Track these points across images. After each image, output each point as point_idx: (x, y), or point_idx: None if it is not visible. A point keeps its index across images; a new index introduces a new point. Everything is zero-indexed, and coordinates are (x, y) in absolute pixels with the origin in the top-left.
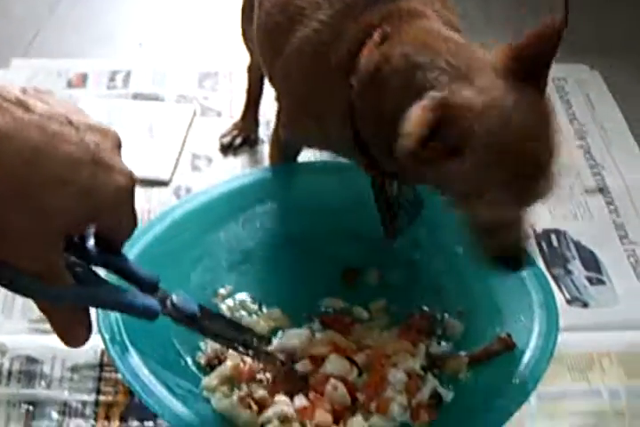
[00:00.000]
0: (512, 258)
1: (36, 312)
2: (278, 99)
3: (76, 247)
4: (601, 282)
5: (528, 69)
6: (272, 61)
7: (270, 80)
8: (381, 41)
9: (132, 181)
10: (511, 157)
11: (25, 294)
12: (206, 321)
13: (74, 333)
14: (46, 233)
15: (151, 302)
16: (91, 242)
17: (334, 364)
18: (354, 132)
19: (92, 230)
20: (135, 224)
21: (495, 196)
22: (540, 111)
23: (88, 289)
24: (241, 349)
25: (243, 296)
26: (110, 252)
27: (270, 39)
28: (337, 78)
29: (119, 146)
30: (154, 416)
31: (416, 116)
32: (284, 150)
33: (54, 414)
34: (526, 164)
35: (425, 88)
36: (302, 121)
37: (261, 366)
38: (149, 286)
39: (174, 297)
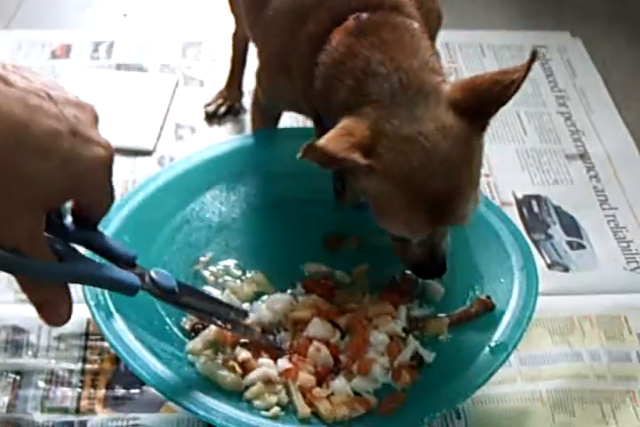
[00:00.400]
0: (424, 268)
1: None
2: (259, 55)
3: (53, 225)
4: (581, 246)
5: (475, 109)
6: (255, 19)
7: (252, 38)
8: (354, 29)
9: (110, 153)
10: (412, 188)
11: (4, 268)
12: (185, 296)
13: (55, 310)
14: (29, 203)
15: (131, 276)
16: (68, 219)
17: (317, 327)
18: (311, 98)
19: (68, 208)
20: (112, 198)
21: (398, 218)
22: (463, 150)
23: (68, 265)
24: (219, 322)
25: (227, 262)
26: (88, 227)
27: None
28: (307, 47)
29: (97, 120)
30: (140, 384)
31: (340, 136)
32: (264, 112)
33: (41, 383)
34: (427, 196)
35: (368, 100)
36: (275, 76)
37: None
38: (127, 262)
39: (152, 273)
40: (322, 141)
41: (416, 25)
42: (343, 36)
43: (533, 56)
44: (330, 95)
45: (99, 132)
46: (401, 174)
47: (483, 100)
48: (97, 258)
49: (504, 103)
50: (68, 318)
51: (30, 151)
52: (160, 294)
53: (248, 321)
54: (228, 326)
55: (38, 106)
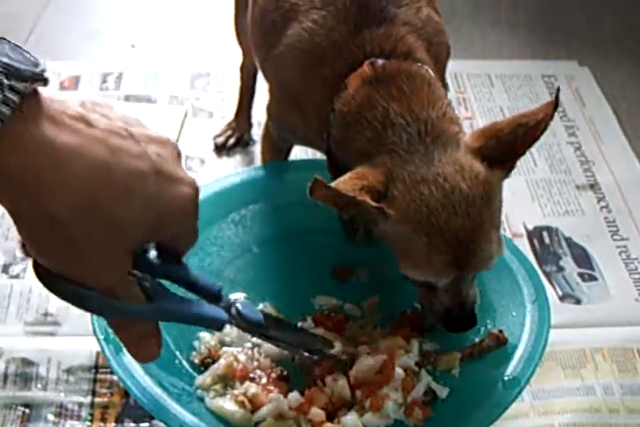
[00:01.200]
0: (453, 319)
1: (31, 315)
2: (270, 90)
3: (138, 259)
4: (593, 278)
5: (499, 154)
6: (265, 55)
7: (263, 73)
8: (371, 77)
9: (195, 190)
10: (432, 229)
11: (97, 310)
12: (272, 329)
13: (145, 347)
14: (117, 246)
15: (218, 311)
16: (152, 253)
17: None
18: (327, 139)
19: (152, 242)
20: (197, 234)
21: (420, 262)
22: (483, 191)
23: (159, 304)
24: (306, 354)
25: (236, 295)
26: (172, 262)
27: (265, 33)
28: (321, 89)
29: (179, 155)
30: (149, 418)
31: (351, 179)
32: (275, 145)
33: (50, 416)
34: (448, 236)
35: (385, 149)
36: (288, 112)
37: (255, 364)
38: (212, 295)
39: (239, 305)
40: (334, 182)
41: (430, 73)
42: (360, 83)
43: (557, 93)
44: (348, 143)
45: (182, 169)
46: (418, 216)
47: (507, 145)
48: (181, 292)
49: (531, 145)
50: (157, 355)
51: (116, 194)
52: (247, 327)
53: (334, 350)
54: (315, 358)
55: (120, 146)
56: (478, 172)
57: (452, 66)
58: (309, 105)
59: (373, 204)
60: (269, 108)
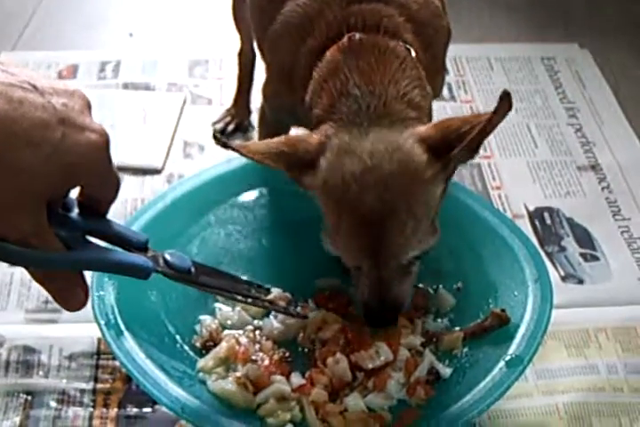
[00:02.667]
0: (369, 312)
1: (32, 302)
2: (267, 69)
3: (61, 219)
4: (595, 258)
5: (441, 145)
6: (263, 35)
7: (261, 53)
8: (346, 48)
9: (103, 137)
10: (345, 204)
11: (14, 261)
12: (202, 276)
13: (71, 296)
14: (26, 197)
15: (142, 259)
16: (75, 212)
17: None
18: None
19: (74, 200)
20: (117, 184)
21: (331, 235)
22: (410, 179)
23: (77, 252)
24: (241, 298)
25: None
26: (97, 216)
27: (263, 13)
28: (306, 60)
29: (88, 106)
30: (152, 403)
31: (279, 142)
32: (272, 128)
33: (52, 403)
34: (358, 214)
35: (334, 118)
36: (279, 89)
37: (257, 347)
38: (140, 248)
39: (167, 255)
40: (254, 143)
41: (409, 53)
42: (334, 53)
43: (506, 97)
44: (311, 110)
45: (91, 118)
46: (333, 189)
47: (449, 139)
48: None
49: (471, 147)
50: (84, 303)
51: (20, 145)
52: (175, 275)
53: (270, 296)
54: (249, 301)
55: (23, 99)
56: (411, 159)
57: (451, 49)
58: (297, 79)
59: (287, 172)
60: (264, 89)
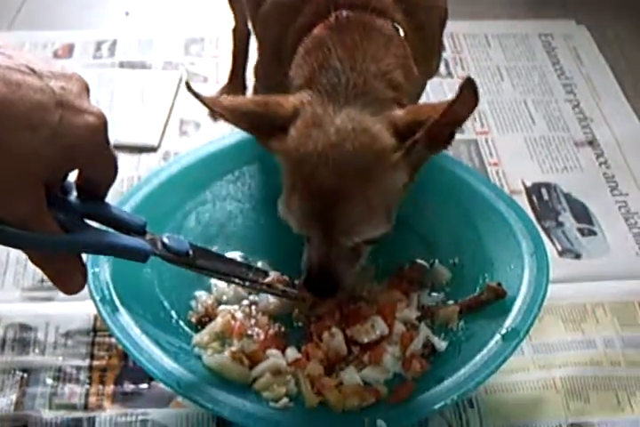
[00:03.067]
0: (309, 280)
1: (28, 280)
2: (258, 49)
3: (59, 202)
4: (592, 233)
5: (408, 129)
6: (256, 13)
7: (255, 31)
8: (332, 24)
9: (101, 120)
10: (301, 175)
11: (13, 244)
12: (200, 259)
13: (69, 279)
14: (24, 179)
15: (140, 242)
16: (73, 195)
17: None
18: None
19: (73, 184)
20: (115, 167)
21: (284, 201)
22: (370, 161)
23: (75, 235)
24: (238, 281)
25: (232, 254)
26: (95, 199)
27: None
28: (294, 38)
29: (86, 89)
30: (148, 379)
31: (249, 101)
32: None
33: (49, 380)
34: (312, 188)
35: (313, 87)
36: (269, 67)
37: (252, 322)
38: (138, 231)
39: (165, 238)
40: (228, 98)
41: (397, 33)
42: (321, 29)
43: (467, 85)
44: (291, 83)
45: (89, 101)
46: (295, 157)
47: (418, 126)
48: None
49: (436, 136)
50: (83, 286)
51: (18, 127)
52: (173, 258)
53: (268, 279)
54: (247, 284)
55: (21, 81)
56: (375, 143)
57: (448, 26)
58: (286, 56)
59: (252, 133)
60: (255, 69)
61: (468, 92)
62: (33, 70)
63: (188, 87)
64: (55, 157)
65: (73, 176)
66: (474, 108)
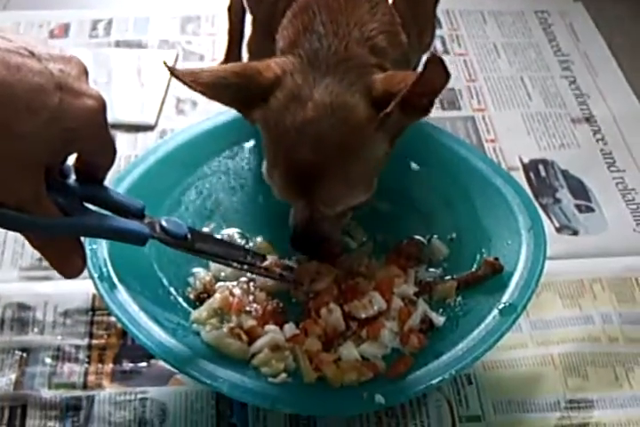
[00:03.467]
0: (296, 239)
1: (26, 260)
2: (252, 23)
3: (58, 186)
4: (590, 209)
5: (383, 99)
6: None
7: (249, 6)
8: None
9: (100, 103)
10: (281, 147)
11: (12, 227)
12: (198, 242)
13: (69, 263)
14: (24, 162)
15: (139, 226)
16: (72, 178)
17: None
18: None
19: (71, 167)
20: (114, 150)
21: (266, 171)
22: (347, 133)
23: (75, 218)
24: (236, 265)
25: (229, 231)
26: (93, 182)
27: None
28: (283, 7)
29: (85, 72)
30: (147, 357)
31: (234, 68)
32: None
33: (48, 360)
34: (291, 161)
35: (296, 51)
36: (263, 41)
37: (250, 298)
38: (136, 214)
39: (163, 221)
40: (205, 70)
41: (384, 1)
42: None
43: (433, 62)
44: (277, 45)
45: (88, 84)
46: (275, 130)
47: (392, 94)
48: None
49: (417, 107)
50: (82, 269)
51: (17, 110)
52: (172, 241)
53: (266, 263)
54: (245, 268)
55: (20, 64)
56: (354, 114)
57: (444, 3)
58: (276, 28)
59: (231, 104)
60: (249, 44)
61: (435, 66)
62: (32, 53)
63: (166, 65)
64: (54, 139)
65: (72, 159)
66: (446, 81)
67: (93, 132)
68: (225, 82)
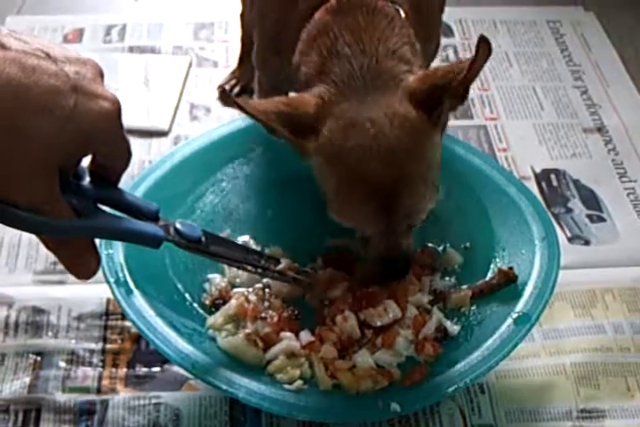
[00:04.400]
0: (381, 270)
1: (40, 264)
2: (255, 36)
3: (72, 187)
4: (601, 219)
5: (429, 98)
6: (252, 4)
7: (254, 20)
8: (334, 7)
9: (115, 105)
10: (352, 175)
11: (26, 228)
12: (212, 245)
13: (82, 264)
14: (38, 164)
15: (153, 228)
16: (86, 180)
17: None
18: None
19: (85, 168)
20: (129, 153)
21: (339, 207)
22: (413, 141)
23: (89, 220)
24: (250, 268)
25: (244, 238)
26: (107, 184)
27: None
28: (295, 24)
29: (100, 74)
30: (161, 362)
31: (279, 102)
32: (268, 94)
33: (62, 363)
34: (367, 185)
35: (326, 79)
36: (266, 56)
37: (266, 305)
38: (150, 217)
39: (178, 224)
40: (255, 100)
41: (398, 13)
42: (323, 14)
43: (483, 42)
44: (297, 71)
45: (103, 87)
46: (340, 162)
47: (436, 90)
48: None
49: (458, 96)
50: (95, 271)
51: (33, 112)
52: (186, 244)
53: (280, 267)
54: (259, 271)
55: (36, 66)
56: (410, 120)
57: (456, 12)
58: (285, 43)
59: (284, 132)
60: (254, 57)
61: (488, 46)
62: (48, 55)
63: (225, 92)
64: (69, 141)
65: (86, 161)
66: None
67: (108, 135)
68: (275, 109)
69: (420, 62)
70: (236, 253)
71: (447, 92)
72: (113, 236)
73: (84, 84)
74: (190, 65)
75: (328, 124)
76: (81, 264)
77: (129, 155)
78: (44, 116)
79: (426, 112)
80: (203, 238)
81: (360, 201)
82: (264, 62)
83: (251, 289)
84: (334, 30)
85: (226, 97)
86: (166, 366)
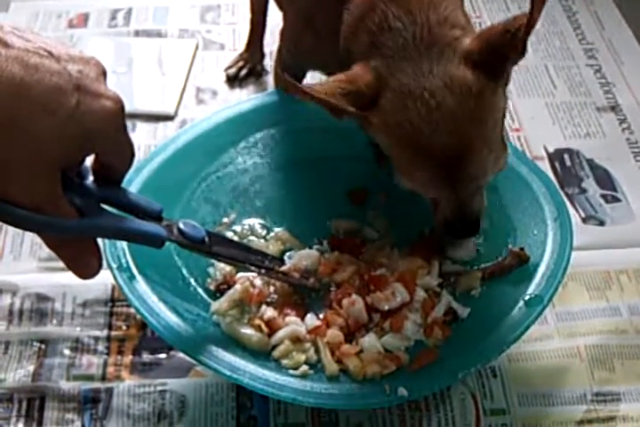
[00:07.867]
0: (454, 228)
1: (44, 251)
2: (285, 16)
3: (75, 186)
4: (616, 199)
5: (489, 60)
6: None
7: (277, 2)
8: None
9: (118, 105)
10: (416, 145)
11: (28, 227)
12: (215, 246)
13: (84, 264)
14: (40, 163)
15: (156, 228)
16: (89, 179)
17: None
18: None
19: (89, 168)
20: (132, 153)
21: (406, 173)
22: (473, 107)
23: (91, 219)
24: (254, 269)
25: (250, 221)
26: (111, 184)
27: None
28: (334, 4)
29: (103, 73)
30: (166, 349)
31: (338, 81)
32: (289, 73)
33: (66, 351)
34: (432, 154)
35: (381, 53)
36: (302, 36)
37: (271, 289)
38: (153, 216)
39: (181, 224)
40: (313, 84)
41: None
42: None
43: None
44: (349, 53)
45: (106, 86)
46: (402, 132)
47: (495, 50)
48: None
49: (517, 53)
50: (98, 270)
51: (35, 110)
52: (189, 244)
53: (284, 268)
54: (263, 272)
55: (39, 65)
56: (469, 85)
57: None
58: (322, 24)
59: (353, 111)
60: (285, 35)
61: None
62: (51, 53)
63: (289, 81)
64: (71, 141)
65: (89, 160)
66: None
67: (111, 134)
68: (340, 90)
69: (471, 27)
70: (239, 254)
71: (508, 49)
72: (115, 235)
73: (87, 83)
74: (197, 48)
75: (387, 95)
76: (82, 264)
77: (132, 154)
78: (46, 114)
79: (484, 71)
80: (206, 239)
81: (425, 170)
82: (297, 41)
83: (255, 274)
84: (380, 6)
85: (288, 84)
86: (172, 353)
